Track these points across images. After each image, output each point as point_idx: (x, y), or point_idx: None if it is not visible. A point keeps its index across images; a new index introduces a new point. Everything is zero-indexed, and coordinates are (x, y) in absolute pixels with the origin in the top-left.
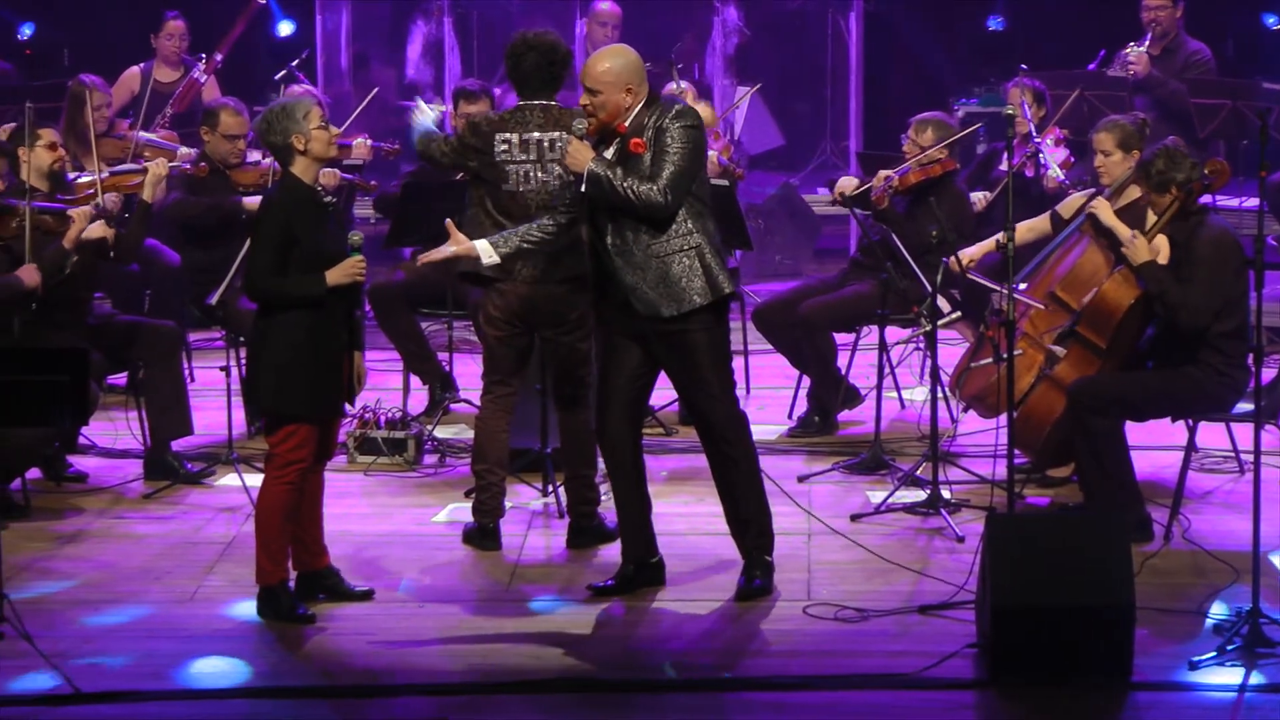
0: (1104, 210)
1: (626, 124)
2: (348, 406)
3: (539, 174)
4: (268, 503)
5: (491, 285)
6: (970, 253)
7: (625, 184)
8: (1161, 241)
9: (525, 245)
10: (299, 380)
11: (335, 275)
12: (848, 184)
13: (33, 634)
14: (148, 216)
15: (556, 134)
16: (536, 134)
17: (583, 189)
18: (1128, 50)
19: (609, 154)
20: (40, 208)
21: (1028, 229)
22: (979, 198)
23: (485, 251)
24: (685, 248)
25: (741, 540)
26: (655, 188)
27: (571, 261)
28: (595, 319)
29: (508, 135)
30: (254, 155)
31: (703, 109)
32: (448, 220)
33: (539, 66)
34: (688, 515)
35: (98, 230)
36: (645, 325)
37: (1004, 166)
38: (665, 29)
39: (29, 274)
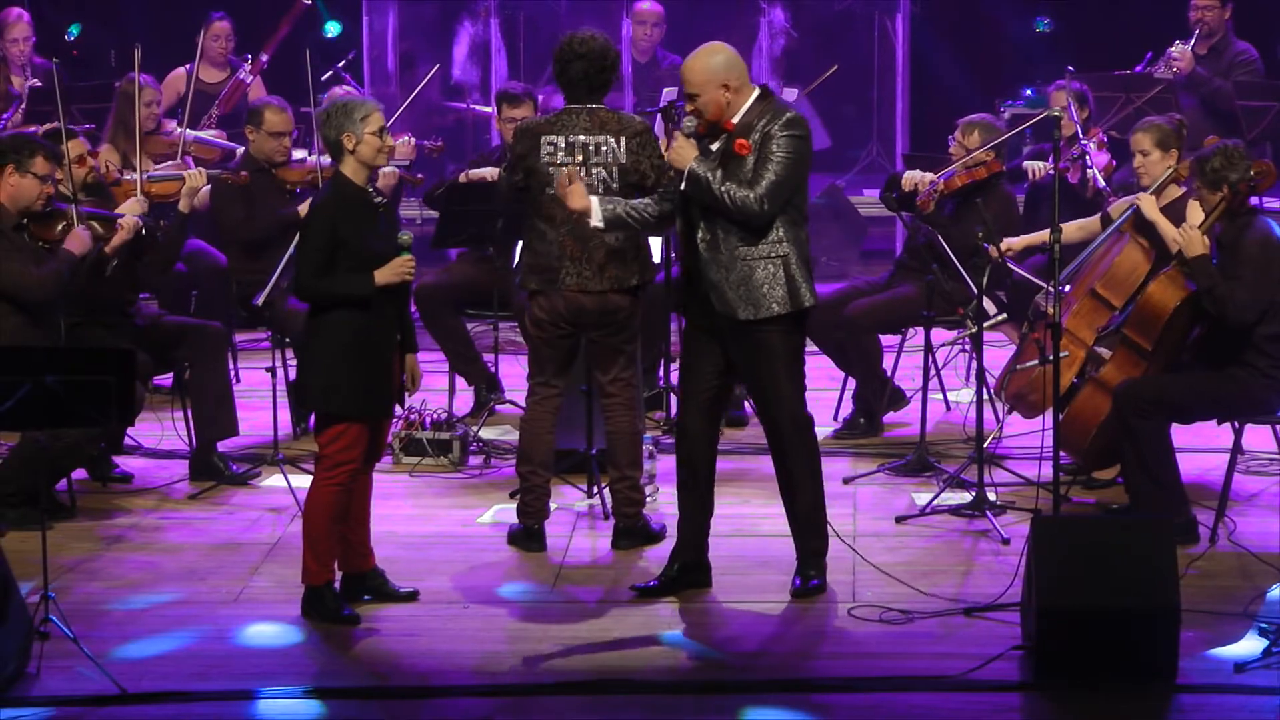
0: (1148, 204)
1: (735, 121)
2: (397, 408)
3: (584, 177)
4: (316, 503)
5: (539, 294)
6: (1011, 241)
7: (724, 188)
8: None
9: (628, 217)
10: (347, 380)
11: (384, 275)
12: (914, 176)
13: (78, 634)
14: (185, 228)
15: (602, 138)
16: (582, 137)
17: (683, 187)
18: (1173, 48)
19: (715, 148)
20: (89, 213)
21: (1078, 228)
22: (1038, 168)
23: (595, 214)
24: (773, 255)
25: (800, 539)
26: (753, 195)
27: (617, 271)
28: (680, 309)
29: (553, 138)
30: (299, 153)
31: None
32: (567, 169)
33: (587, 74)
34: (733, 517)
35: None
36: (723, 322)
37: (1051, 170)
38: (712, 31)
39: (76, 242)
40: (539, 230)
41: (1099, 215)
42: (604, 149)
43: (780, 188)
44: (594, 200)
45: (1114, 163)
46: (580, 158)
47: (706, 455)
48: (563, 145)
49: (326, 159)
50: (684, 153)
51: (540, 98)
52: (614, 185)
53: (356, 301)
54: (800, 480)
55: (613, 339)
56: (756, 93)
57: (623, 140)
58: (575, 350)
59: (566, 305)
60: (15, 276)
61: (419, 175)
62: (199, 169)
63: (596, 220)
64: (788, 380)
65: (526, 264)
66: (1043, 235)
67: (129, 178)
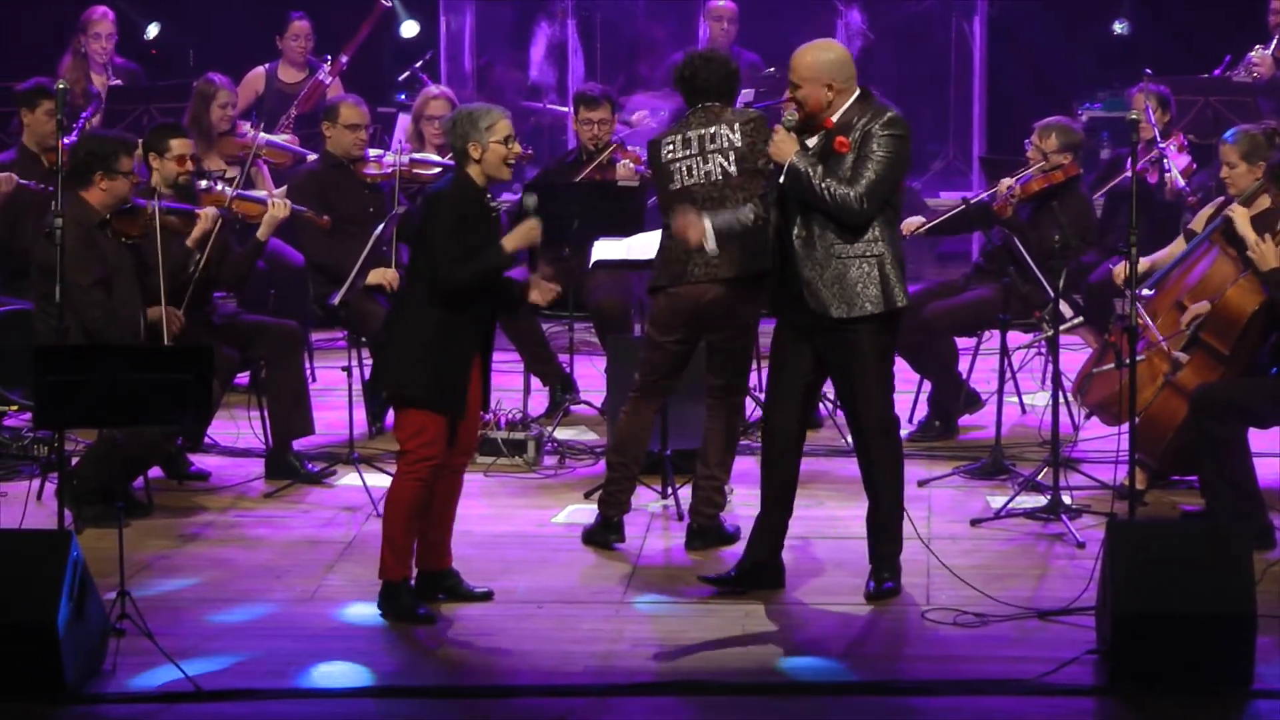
0: (1241, 218)
1: (834, 119)
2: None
3: (702, 165)
4: (397, 498)
5: (662, 291)
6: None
7: (824, 184)
8: None
9: (738, 224)
10: (426, 371)
11: (513, 240)
12: (912, 223)
13: (154, 631)
14: (258, 253)
15: (715, 127)
16: (697, 130)
17: (781, 180)
18: (1252, 53)
19: (812, 144)
20: (167, 208)
21: (1166, 256)
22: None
23: (710, 238)
24: (868, 254)
25: (875, 541)
26: (853, 193)
27: (744, 257)
28: (771, 307)
29: (672, 138)
30: (374, 151)
31: None
32: (680, 218)
33: (721, 75)
34: (807, 519)
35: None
36: (815, 320)
37: (1128, 172)
38: (788, 32)
39: (165, 332)
40: (666, 227)
41: (1182, 236)
42: (719, 136)
43: (879, 187)
44: (706, 222)
45: (1194, 165)
46: (696, 149)
47: (792, 452)
48: (679, 142)
49: (405, 157)
50: (785, 146)
51: (619, 99)
52: (732, 171)
53: (499, 273)
54: (883, 482)
55: (731, 342)
56: (858, 93)
57: (736, 126)
58: (689, 357)
59: (688, 305)
60: (76, 289)
61: (529, 150)
62: (284, 201)
63: (711, 245)
64: (877, 381)
65: (656, 263)
66: (1144, 262)
67: (219, 189)
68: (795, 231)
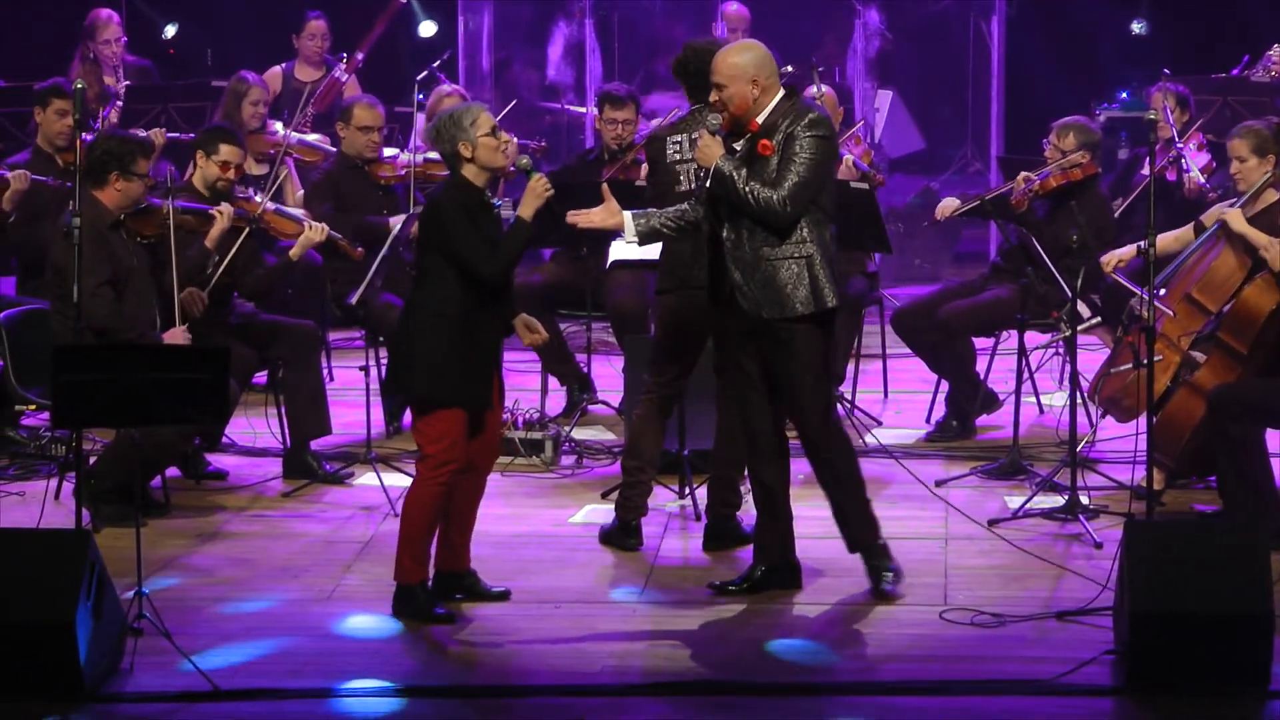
0: (1235, 219)
1: (760, 120)
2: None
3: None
4: (418, 502)
5: (669, 293)
6: (1121, 253)
7: (748, 187)
8: None
9: (664, 229)
10: (451, 368)
11: (528, 206)
12: (949, 205)
13: (171, 631)
14: (287, 271)
15: None
16: (699, 131)
17: (708, 184)
18: (1271, 52)
19: (738, 147)
20: (182, 207)
21: (1174, 239)
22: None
23: (629, 229)
24: (796, 255)
25: (852, 536)
26: (776, 196)
27: None
28: (709, 305)
29: (677, 137)
30: (390, 150)
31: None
32: (604, 185)
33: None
34: (822, 519)
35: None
36: (750, 321)
37: (1145, 171)
38: (806, 32)
39: (174, 338)
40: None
41: (1192, 224)
42: None
43: (804, 189)
44: (626, 216)
45: (1214, 163)
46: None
47: (783, 457)
48: (685, 143)
49: (419, 156)
50: (710, 150)
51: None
52: (701, 173)
53: (526, 246)
54: (839, 473)
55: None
56: (782, 93)
57: None
58: (698, 354)
59: (692, 307)
60: (87, 291)
61: (543, 144)
62: (322, 225)
63: (630, 236)
64: (814, 379)
65: (661, 265)
66: (1134, 250)
67: (256, 199)
68: (725, 234)
